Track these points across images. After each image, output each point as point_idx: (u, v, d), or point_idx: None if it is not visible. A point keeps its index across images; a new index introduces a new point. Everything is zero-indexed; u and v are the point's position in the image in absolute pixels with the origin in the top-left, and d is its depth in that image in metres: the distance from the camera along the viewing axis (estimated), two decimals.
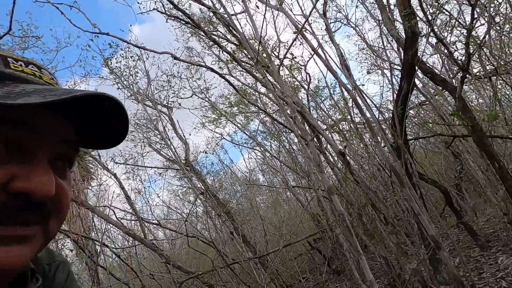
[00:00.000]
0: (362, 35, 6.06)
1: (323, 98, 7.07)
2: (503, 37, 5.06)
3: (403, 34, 3.67)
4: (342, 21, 6.04)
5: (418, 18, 3.45)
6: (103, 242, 4.29)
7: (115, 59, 5.09)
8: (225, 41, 4.38)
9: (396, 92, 3.80)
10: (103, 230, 4.15)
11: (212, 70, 3.92)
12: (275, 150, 6.61)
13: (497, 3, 4.43)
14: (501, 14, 4.65)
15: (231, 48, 3.77)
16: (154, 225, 5.98)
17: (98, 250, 4.33)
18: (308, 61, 5.12)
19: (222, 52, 3.89)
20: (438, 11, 3.25)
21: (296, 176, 6.59)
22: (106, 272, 4.04)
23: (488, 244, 4.18)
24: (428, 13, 3.19)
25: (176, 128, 6.06)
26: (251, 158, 9.84)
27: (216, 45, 3.72)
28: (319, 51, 3.49)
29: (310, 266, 6.21)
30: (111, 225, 4.15)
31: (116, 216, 3.93)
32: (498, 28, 4.81)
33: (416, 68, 3.72)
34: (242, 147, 7.12)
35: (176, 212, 6.99)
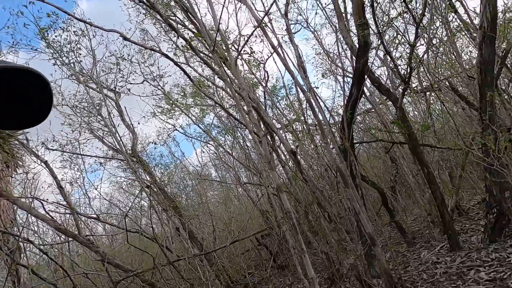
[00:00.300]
0: (319, 40, 6.31)
1: (279, 98, 7.20)
2: (437, 58, 5.71)
3: (357, 43, 3.90)
4: (302, 23, 6.21)
5: (370, 30, 3.69)
6: (27, 238, 3.79)
7: (54, 31, 4.50)
8: (182, 27, 4.15)
9: (347, 98, 4.01)
10: (24, 224, 3.66)
11: (167, 56, 3.70)
12: (229, 145, 6.55)
13: (435, 27, 4.97)
14: (437, 37, 5.23)
15: (189, 35, 3.58)
16: (92, 220, 5.48)
17: (21, 246, 3.82)
18: (267, 59, 5.15)
19: (179, 38, 3.67)
20: (388, 25, 3.50)
21: (248, 172, 6.62)
22: (28, 271, 3.58)
23: (414, 240, 4.68)
24: (379, 26, 3.42)
25: (123, 115, 5.61)
26: (204, 152, 9.65)
27: (172, 31, 3.50)
28: (279, 50, 3.51)
29: (257, 262, 6.31)
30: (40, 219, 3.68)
31: (44, 208, 3.49)
32: (434, 49, 5.40)
33: (366, 76, 3.98)
34: (195, 141, 6.90)
35: (117, 206, 6.51)
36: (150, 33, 5.53)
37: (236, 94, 2.11)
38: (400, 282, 3.19)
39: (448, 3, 4.06)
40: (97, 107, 4.80)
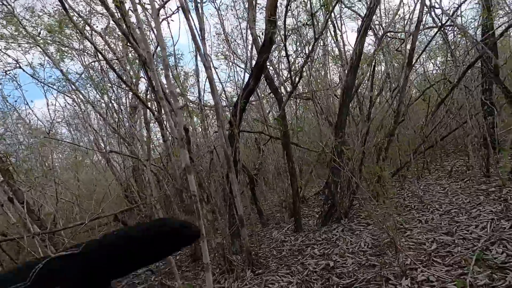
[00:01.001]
0: (222, 20, 6.18)
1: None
2: (311, 73, 6.78)
3: (262, 38, 4.08)
4: None
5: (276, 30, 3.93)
6: None
7: None
8: None
9: (243, 87, 4.15)
10: None
11: None
12: (97, 104, 5.42)
13: (319, 46, 5.86)
14: (316, 56, 6.19)
15: None
16: None
17: None
18: (167, 17, 4.53)
19: None
20: (293, 31, 3.83)
21: (117, 140, 5.78)
22: None
23: (268, 221, 5.46)
24: (286, 30, 3.68)
25: None
26: (60, 106, 7.68)
27: None
28: (187, 14, 3.19)
29: None
30: None
31: None
32: (314, 64, 6.36)
33: (263, 71, 4.23)
34: (48, 88, 5.33)
35: None
36: None
37: (145, 50, 1.72)
38: (256, 258, 3.65)
39: (334, 32, 4.85)
40: None
